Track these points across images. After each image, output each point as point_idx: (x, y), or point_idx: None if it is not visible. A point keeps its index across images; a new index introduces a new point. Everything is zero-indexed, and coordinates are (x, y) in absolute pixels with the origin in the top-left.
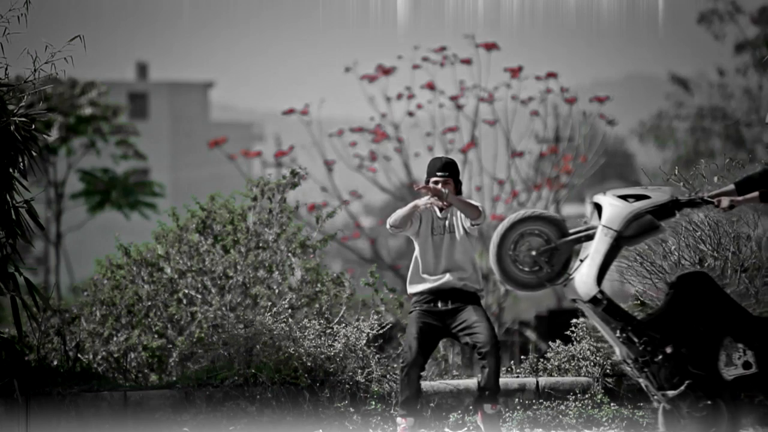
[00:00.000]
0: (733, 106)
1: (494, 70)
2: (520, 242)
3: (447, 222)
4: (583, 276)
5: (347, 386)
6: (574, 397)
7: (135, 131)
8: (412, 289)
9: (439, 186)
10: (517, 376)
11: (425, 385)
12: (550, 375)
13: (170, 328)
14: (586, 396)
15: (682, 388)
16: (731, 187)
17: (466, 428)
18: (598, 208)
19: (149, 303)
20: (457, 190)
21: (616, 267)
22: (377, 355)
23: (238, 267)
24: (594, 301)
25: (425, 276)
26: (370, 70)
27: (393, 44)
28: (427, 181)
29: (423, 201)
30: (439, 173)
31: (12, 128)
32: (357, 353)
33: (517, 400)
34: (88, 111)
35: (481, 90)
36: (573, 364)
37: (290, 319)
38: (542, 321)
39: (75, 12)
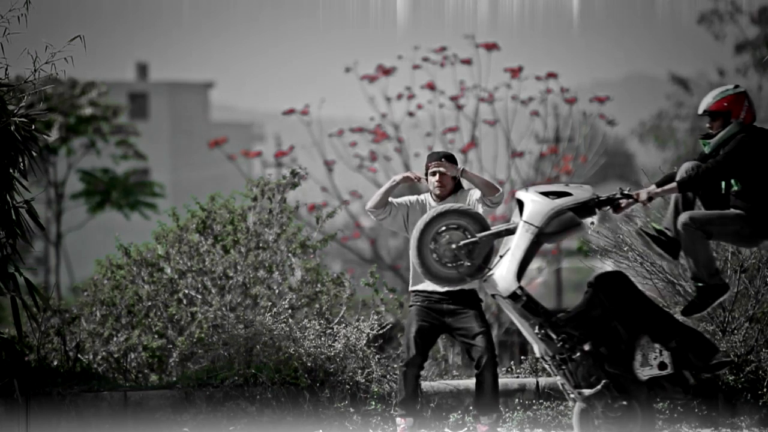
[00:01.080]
0: None
1: (494, 70)
2: (441, 236)
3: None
4: (503, 271)
5: (347, 386)
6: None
7: (135, 131)
8: (411, 286)
9: (441, 169)
10: (517, 377)
11: (425, 385)
12: (550, 375)
13: (170, 329)
14: None
15: (599, 387)
16: (674, 184)
17: (466, 428)
18: (520, 204)
19: (149, 303)
20: (456, 184)
21: (615, 267)
22: (377, 356)
23: (238, 267)
24: (513, 296)
25: None
26: (371, 71)
27: (393, 44)
28: (426, 172)
29: (400, 176)
30: (435, 164)
31: (12, 128)
32: (357, 353)
33: (517, 400)
34: (88, 111)
35: (481, 90)
36: None
37: (290, 320)
38: None
39: (75, 12)
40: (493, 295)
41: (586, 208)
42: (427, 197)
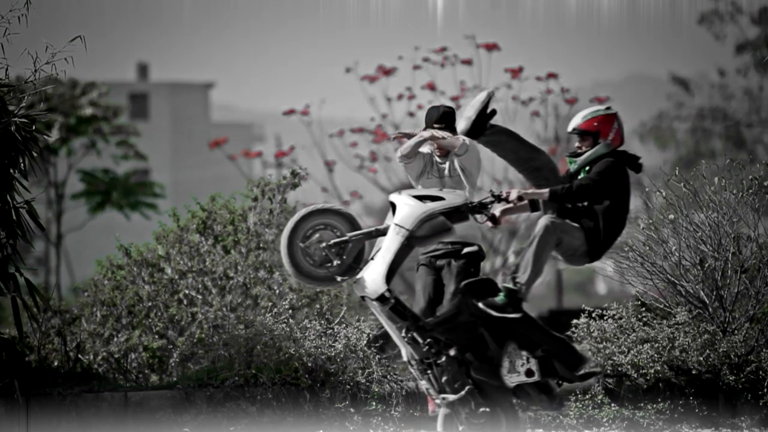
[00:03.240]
0: (733, 107)
1: (495, 70)
2: (312, 235)
3: (445, 167)
4: (373, 273)
5: (348, 387)
6: (574, 397)
7: (135, 132)
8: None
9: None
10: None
11: None
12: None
13: (171, 329)
14: (587, 396)
15: (463, 393)
16: (546, 190)
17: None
18: (393, 206)
19: (150, 303)
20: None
21: (616, 267)
22: (378, 356)
23: (239, 267)
24: (381, 299)
25: None
26: (371, 71)
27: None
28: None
29: (428, 133)
30: (436, 124)
31: (12, 129)
32: (357, 354)
33: (517, 400)
34: (88, 111)
35: (481, 90)
36: None
37: (291, 320)
38: (543, 321)
39: (75, 12)
40: (362, 297)
41: (458, 212)
42: (434, 152)
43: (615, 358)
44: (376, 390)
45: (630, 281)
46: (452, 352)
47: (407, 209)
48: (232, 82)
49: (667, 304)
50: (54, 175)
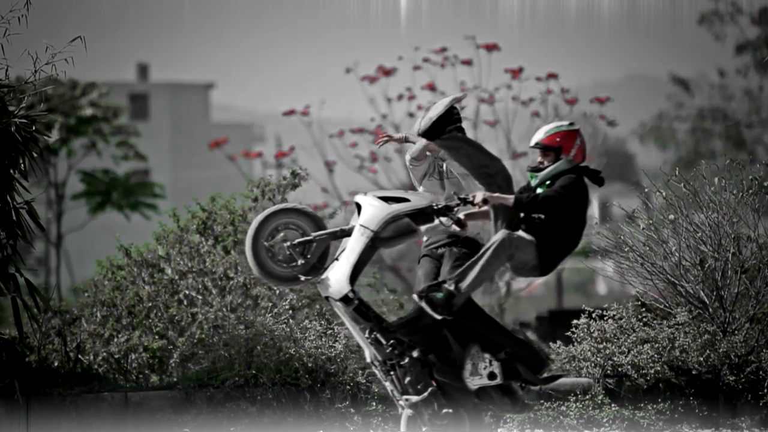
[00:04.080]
0: (733, 107)
1: (495, 70)
2: (276, 234)
3: (444, 169)
4: (337, 274)
5: (348, 387)
6: (574, 398)
7: (136, 132)
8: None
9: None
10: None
11: None
12: None
13: (171, 329)
14: (587, 397)
15: (426, 394)
16: (512, 197)
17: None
18: (358, 207)
19: (150, 304)
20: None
21: (616, 268)
22: None
23: (239, 268)
24: (345, 299)
25: None
26: (371, 71)
27: (394, 45)
28: None
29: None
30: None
31: (12, 129)
32: (358, 354)
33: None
34: (88, 112)
35: (481, 91)
36: (574, 365)
37: (291, 320)
38: (543, 322)
39: (75, 13)
40: (326, 298)
41: (423, 214)
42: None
43: (615, 359)
44: (377, 390)
45: (630, 281)
46: (415, 354)
47: (372, 210)
48: (232, 83)
49: (667, 305)
50: (54, 176)
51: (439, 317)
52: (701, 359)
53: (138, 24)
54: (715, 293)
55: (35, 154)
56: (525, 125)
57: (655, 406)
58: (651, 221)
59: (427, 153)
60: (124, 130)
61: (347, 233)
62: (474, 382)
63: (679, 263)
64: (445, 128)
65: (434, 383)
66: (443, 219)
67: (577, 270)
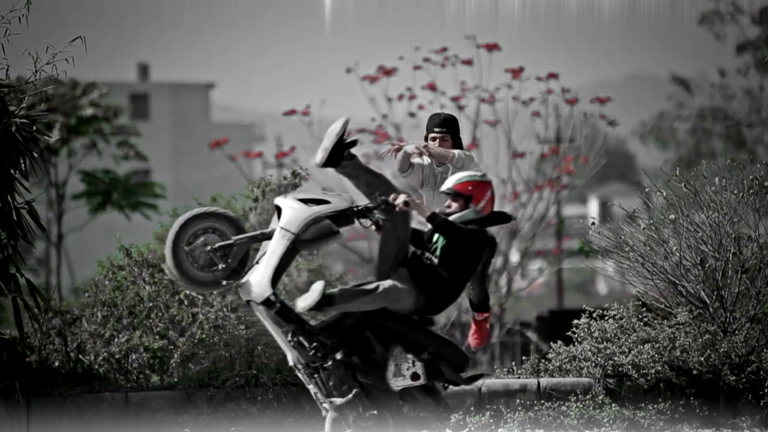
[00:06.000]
0: (734, 107)
1: (495, 70)
2: (196, 239)
3: (440, 177)
4: (258, 277)
5: None
6: (575, 397)
7: (136, 132)
8: None
9: (433, 143)
10: (519, 377)
11: None
12: (552, 376)
13: (171, 329)
14: (588, 397)
15: (350, 396)
16: (430, 211)
17: (467, 429)
18: (278, 210)
19: (150, 304)
20: (456, 147)
21: (617, 268)
22: None
23: None
24: (267, 303)
25: None
26: (371, 71)
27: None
28: (426, 137)
29: (411, 147)
30: (436, 129)
31: (13, 129)
32: None
33: (518, 400)
34: (89, 112)
35: (482, 91)
36: (574, 364)
37: None
38: (543, 322)
39: (76, 13)
40: (247, 301)
41: (343, 216)
42: (433, 163)
43: (616, 359)
44: None
45: (631, 281)
46: (338, 356)
47: (292, 212)
48: (232, 83)
49: (667, 305)
50: (54, 176)
51: (300, 308)
52: (702, 359)
53: (138, 24)
54: (715, 293)
55: (36, 154)
56: (525, 125)
57: (655, 406)
58: (651, 221)
59: (417, 162)
60: (124, 130)
61: (268, 236)
62: (397, 383)
63: (680, 263)
64: (343, 153)
65: (358, 385)
66: (363, 221)
67: (577, 270)
